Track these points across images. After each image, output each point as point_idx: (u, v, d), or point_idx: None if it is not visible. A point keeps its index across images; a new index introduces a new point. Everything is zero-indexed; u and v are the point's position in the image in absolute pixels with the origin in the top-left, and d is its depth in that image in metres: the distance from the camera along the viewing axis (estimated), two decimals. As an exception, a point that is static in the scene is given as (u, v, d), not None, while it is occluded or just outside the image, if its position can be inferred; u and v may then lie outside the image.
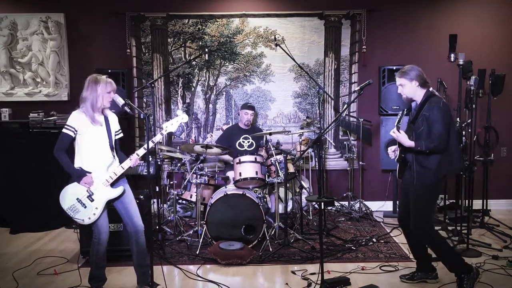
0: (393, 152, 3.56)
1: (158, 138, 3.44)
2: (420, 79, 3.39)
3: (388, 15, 5.69)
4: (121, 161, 3.37)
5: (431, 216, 3.55)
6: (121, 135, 3.50)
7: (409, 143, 3.31)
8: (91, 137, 3.25)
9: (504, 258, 4.00)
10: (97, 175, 3.25)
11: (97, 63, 5.53)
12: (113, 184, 3.31)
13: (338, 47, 5.72)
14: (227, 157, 5.22)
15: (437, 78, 5.05)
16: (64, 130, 3.22)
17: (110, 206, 3.38)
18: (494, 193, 5.44)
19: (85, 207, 3.24)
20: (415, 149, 3.31)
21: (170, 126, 3.43)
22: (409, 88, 3.41)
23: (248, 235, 4.31)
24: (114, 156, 3.35)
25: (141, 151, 3.32)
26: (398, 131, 3.32)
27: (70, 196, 3.25)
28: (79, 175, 3.23)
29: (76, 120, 3.23)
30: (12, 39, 5.65)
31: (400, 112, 3.38)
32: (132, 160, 3.30)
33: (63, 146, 3.22)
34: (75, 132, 3.23)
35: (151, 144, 3.33)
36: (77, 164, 3.27)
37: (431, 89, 3.43)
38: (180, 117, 3.47)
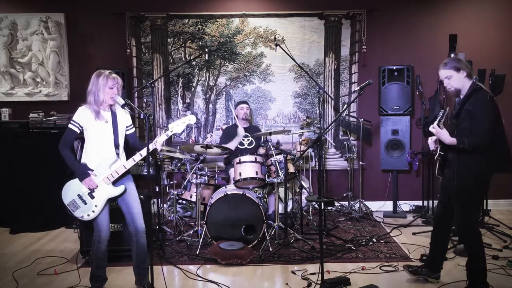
0: (433, 142, 3.29)
1: (162, 138, 3.32)
2: (467, 68, 3.13)
3: (388, 15, 5.69)
4: (139, 149, 3.30)
5: (476, 216, 3.34)
6: (133, 130, 3.45)
7: (450, 140, 3.06)
8: (95, 132, 3.25)
9: (504, 258, 3.99)
10: (99, 172, 3.24)
11: (97, 63, 5.51)
12: (115, 182, 3.30)
13: (338, 47, 5.72)
14: (235, 143, 5.05)
15: (437, 78, 5.04)
16: (69, 125, 3.24)
17: (115, 205, 3.38)
18: (494, 193, 5.43)
19: (85, 203, 3.24)
20: (457, 147, 3.06)
21: (176, 127, 3.32)
22: (457, 79, 3.14)
23: (248, 235, 4.31)
24: (118, 154, 3.30)
25: (143, 151, 3.27)
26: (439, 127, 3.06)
27: (71, 192, 3.26)
28: (82, 171, 3.22)
29: (81, 115, 3.24)
30: (12, 39, 5.65)
31: (443, 111, 3.09)
32: (136, 160, 3.29)
33: (67, 142, 3.23)
34: (80, 127, 3.23)
35: (153, 146, 3.26)
36: (83, 160, 3.27)
37: (475, 81, 3.17)
38: (187, 118, 3.35)
